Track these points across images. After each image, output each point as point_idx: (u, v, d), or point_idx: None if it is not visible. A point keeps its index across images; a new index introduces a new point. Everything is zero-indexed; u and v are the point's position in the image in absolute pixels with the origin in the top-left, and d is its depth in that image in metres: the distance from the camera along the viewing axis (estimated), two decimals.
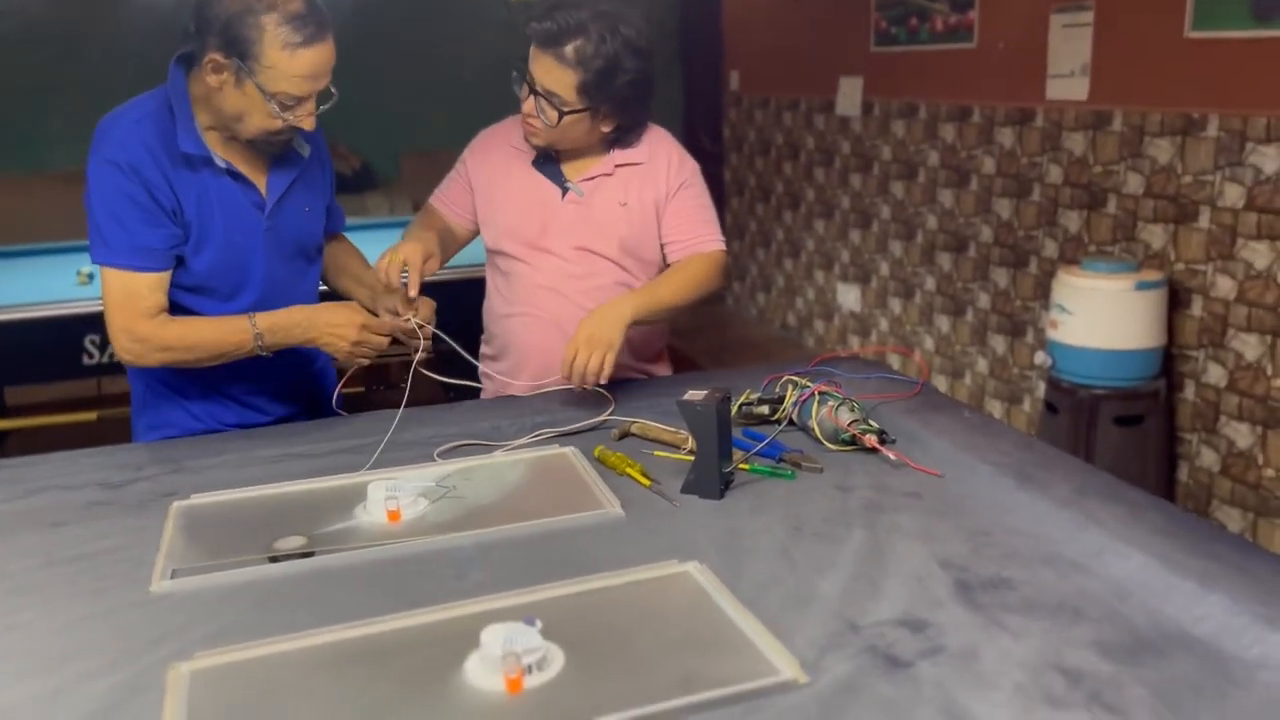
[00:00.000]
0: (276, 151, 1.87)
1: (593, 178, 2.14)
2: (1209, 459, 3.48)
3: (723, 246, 2.19)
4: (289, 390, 2.06)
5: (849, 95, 5.41)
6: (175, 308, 1.85)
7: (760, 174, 6.53)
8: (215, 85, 1.72)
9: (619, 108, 2.06)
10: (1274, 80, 3.09)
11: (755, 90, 6.57)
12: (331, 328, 1.82)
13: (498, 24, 7.05)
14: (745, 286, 6.84)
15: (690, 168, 2.19)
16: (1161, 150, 3.53)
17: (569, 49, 1.95)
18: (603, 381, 1.90)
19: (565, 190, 2.14)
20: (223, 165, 1.82)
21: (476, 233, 2.25)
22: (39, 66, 6.29)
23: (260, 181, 1.88)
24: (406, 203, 6.18)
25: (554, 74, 1.97)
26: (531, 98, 2.02)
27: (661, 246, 2.19)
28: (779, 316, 6.52)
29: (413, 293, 1.89)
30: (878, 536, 1.44)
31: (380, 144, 6.76)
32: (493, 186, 2.18)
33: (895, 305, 5.25)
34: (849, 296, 5.66)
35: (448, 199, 2.23)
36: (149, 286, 1.78)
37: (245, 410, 2.01)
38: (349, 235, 2.24)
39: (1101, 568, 1.33)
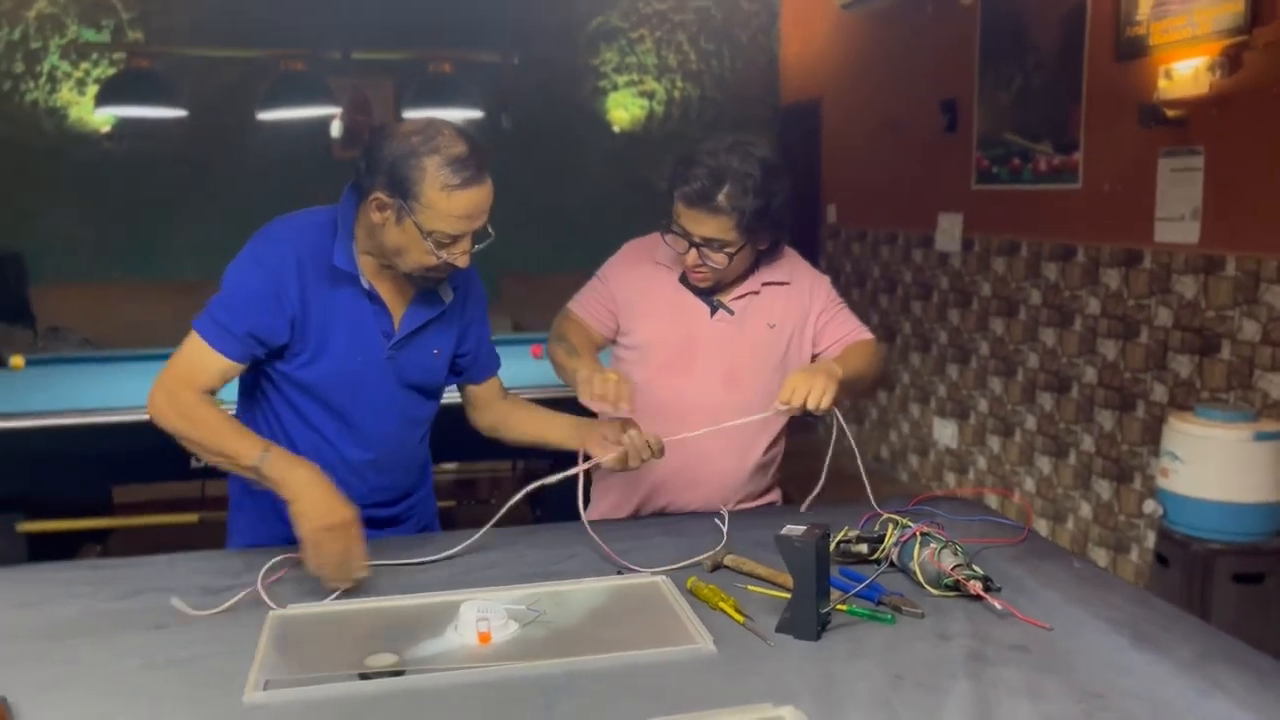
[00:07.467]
0: (431, 285, 1.93)
1: (741, 296, 2.18)
2: None
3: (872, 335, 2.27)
4: (379, 516, 2.04)
5: (949, 231, 5.41)
6: (294, 411, 1.92)
7: (856, 305, 6.46)
8: (378, 221, 1.80)
9: (775, 226, 2.12)
10: None
11: (852, 223, 6.62)
12: (317, 505, 1.69)
13: (603, 153, 7.28)
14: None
15: (827, 281, 2.28)
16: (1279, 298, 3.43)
17: (721, 198, 2.00)
18: (823, 409, 1.92)
19: (715, 308, 2.18)
20: (366, 286, 1.89)
21: (612, 340, 2.27)
22: (171, 184, 6.71)
23: (398, 312, 1.93)
24: (506, 322, 6.29)
25: (711, 224, 2.03)
26: (693, 250, 2.07)
27: (814, 358, 2.22)
28: (872, 449, 6.41)
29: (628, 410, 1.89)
30: (983, 690, 1.37)
31: (480, 265, 6.83)
32: (638, 302, 2.21)
33: (994, 443, 5.13)
34: (945, 432, 5.55)
35: (588, 309, 2.25)
36: (218, 367, 1.83)
37: None
38: None
39: None
